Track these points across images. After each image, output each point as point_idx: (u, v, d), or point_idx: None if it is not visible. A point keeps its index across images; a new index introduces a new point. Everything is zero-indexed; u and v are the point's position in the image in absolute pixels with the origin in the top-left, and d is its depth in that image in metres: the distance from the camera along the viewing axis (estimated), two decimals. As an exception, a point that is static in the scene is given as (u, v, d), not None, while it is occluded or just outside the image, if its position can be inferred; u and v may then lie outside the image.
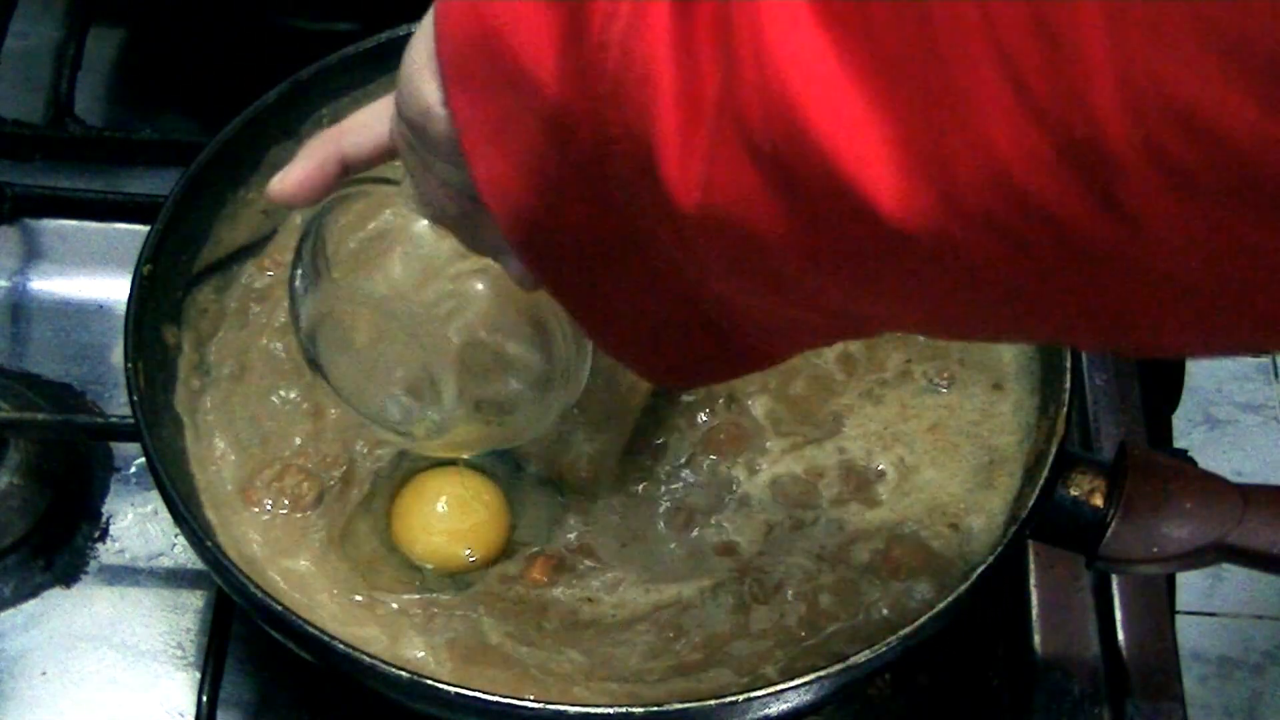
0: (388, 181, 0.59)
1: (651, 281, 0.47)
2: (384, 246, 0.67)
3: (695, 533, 0.73)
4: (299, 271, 0.64)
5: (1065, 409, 0.70)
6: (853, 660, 0.62)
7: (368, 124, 0.57)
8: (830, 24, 0.37)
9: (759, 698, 0.61)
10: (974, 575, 0.65)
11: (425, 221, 0.57)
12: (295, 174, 0.58)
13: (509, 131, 0.45)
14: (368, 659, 0.61)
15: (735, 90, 0.39)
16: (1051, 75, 0.34)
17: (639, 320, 0.49)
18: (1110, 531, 0.67)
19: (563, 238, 0.47)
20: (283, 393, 0.76)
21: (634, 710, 0.60)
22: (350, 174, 0.58)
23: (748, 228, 0.41)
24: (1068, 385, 0.71)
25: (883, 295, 0.42)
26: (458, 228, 0.55)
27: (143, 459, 0.77)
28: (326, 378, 0.67)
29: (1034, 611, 0.77)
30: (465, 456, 0.73)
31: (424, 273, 0.64)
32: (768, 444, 0.75)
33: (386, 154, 0.57)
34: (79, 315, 0.87)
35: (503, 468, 0.75)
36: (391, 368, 0.66)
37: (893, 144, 0.37)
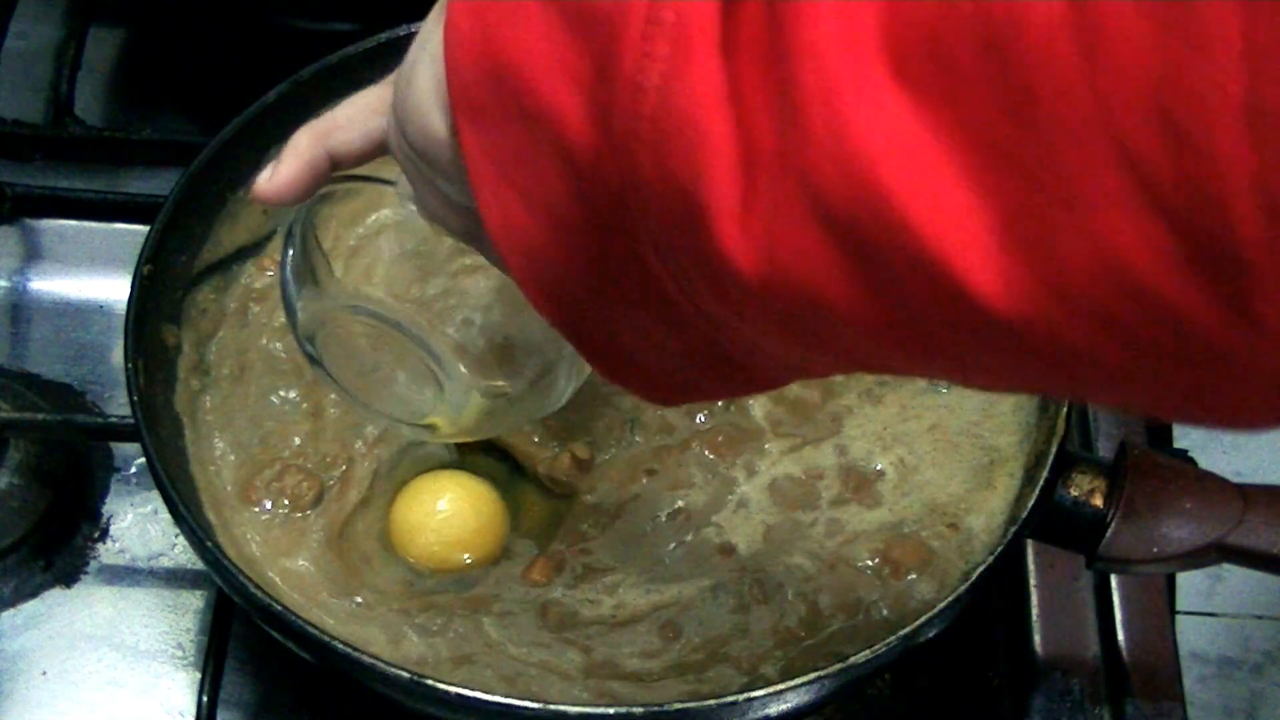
0: (382, 181, 0.58)
1: (669, 324, 0.44)
2: (378, 245, 0.66)
3: (695, 533, 0.73)
4: (289, 273, 0.63)
5: (1065, 409, 0.69)
6: (853, 660, 0.62)
7: (357, 120, 0.55)
8: (908, 85, 0.35)
9: (759, 698, 0.61)
10: (974, 575, 0.65)
11: (421, 219, 0.55)
12: (284, 173, 0.56)
13: (522, 169, 0.43)
14: (368, 659, 0.61)
15: (802, 151, 0.36)
16: (1179, 172, 0.32)
17: (647, 354, 0.47)
18: (1110, 531, 0.67)
19: (574, 278, 0.45)
20: (283, 393, 0.76)
21: (634, 710, 0.60)
22: (339, 169, 0.57)
23: (813, 297, 0.38)
24: (1068, 385, 0.71)
25: (946, 364, 0.40)
26: (458, 237, 0.53)
27: (143, 459, 0.77)
28: (331, 376, 0.66)
29: (1034, 611, 0.77)
30: (487, 437, 0.73)
31: (422, 270, 0.64)
32: (767, 445, 0.75)
33: (379, 151, 0.55)
34: (79, 315, 0.87)
35: (502, 470, 0.75)
36: (397, 365, 0.65)
37: (988, 223, 0.35)
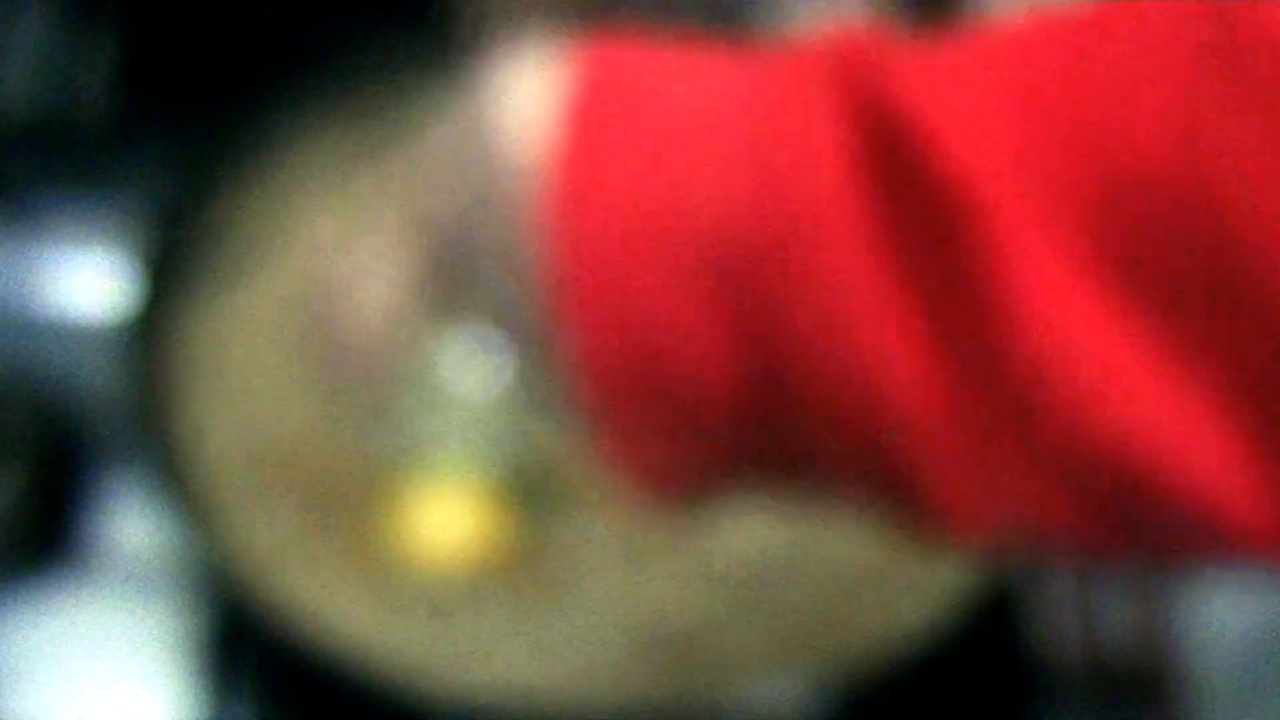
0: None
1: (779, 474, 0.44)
2: None
3: (692, 535, 0.73)
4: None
5: (1065, 410, 0.69)
6: (853, 663, 0.62)
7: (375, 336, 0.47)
8: (1139, 335, 0.33)
9: (758, 700, 0.61)
10: (974, 577, 0.65)
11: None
12: None
13: (660, 434, 0.41)
14: (368, 660, 0.61)
15: (1031, 412, 0.34)
16: None
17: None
18: (1110, 532, 0.67)
19: (680, 470, 0.44)
20: (283, 392, 0.76)
21: (630, 712, 0.60)
22: None
23: (1031, 526, 0.37)
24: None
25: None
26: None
27: (143, 459, 0.77)
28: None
29: (1033, 612, 0.77)
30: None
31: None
32: (767, 444, 0.75)
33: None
34: (78, 315, 0.87)
35: (501, 473, 0.75)
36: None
37: (1245, 468, 0.34)
